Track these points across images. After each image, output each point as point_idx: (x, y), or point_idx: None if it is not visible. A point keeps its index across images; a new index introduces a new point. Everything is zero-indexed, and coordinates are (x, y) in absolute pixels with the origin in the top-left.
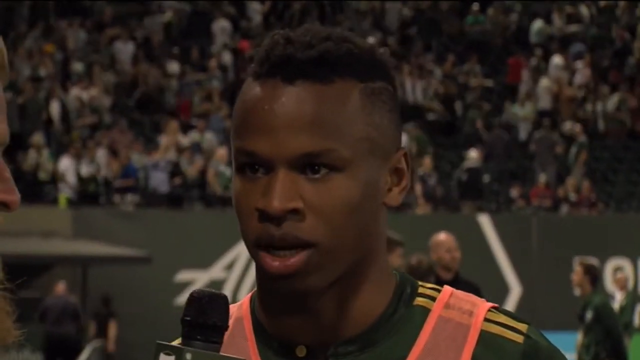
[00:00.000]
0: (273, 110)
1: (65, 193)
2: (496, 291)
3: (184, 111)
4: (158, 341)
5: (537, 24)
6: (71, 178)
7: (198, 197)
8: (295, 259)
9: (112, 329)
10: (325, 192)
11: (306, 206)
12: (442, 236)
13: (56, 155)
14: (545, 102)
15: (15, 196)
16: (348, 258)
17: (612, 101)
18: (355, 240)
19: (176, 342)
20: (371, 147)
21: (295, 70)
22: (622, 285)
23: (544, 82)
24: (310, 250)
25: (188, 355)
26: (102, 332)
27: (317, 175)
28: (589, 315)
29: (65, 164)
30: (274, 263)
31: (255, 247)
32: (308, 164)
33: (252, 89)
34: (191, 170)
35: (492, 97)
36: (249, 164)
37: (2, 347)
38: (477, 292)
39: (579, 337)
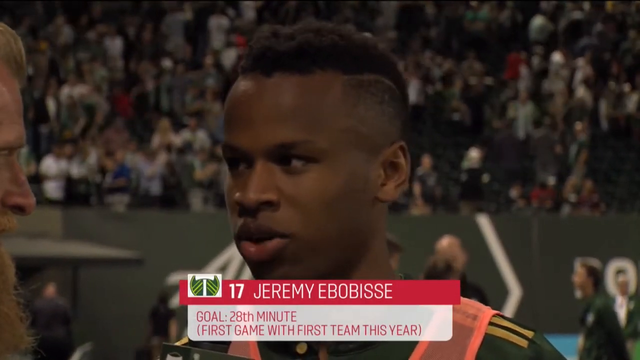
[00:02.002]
0: (251, 103)
1: (48, 193)
2: (496, 294)
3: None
4: (164, 343)
5: (538, 20)
6: (56, 178)
7: (205, 197)
8: (271, 244)
9: (173, 328)
10: (301, 184)
11: (282, 197)
12: (442, 244)
13: (44, 154)
14: (547, 100)
15: (31, 199)
16: (332, 252)
17: (633, 100)
18: (339, 235)
19: (180, 343)
20: (355, 139)
21: (273, 62)
22: (623, 289)
23: (545, 79)
24: (286, 240)
25: (196, 356)
26: (159, 331)
27: (294, 167)
28: (590, 318)
29: (48, 163)
30: (251, 249)
31: (238, 239)
32: (285, 155)
33: (237, 85)
34: (204, 172)
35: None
36: (234, 158)
37: (14, 352)
38: (481, 294)
39: (580, 340)
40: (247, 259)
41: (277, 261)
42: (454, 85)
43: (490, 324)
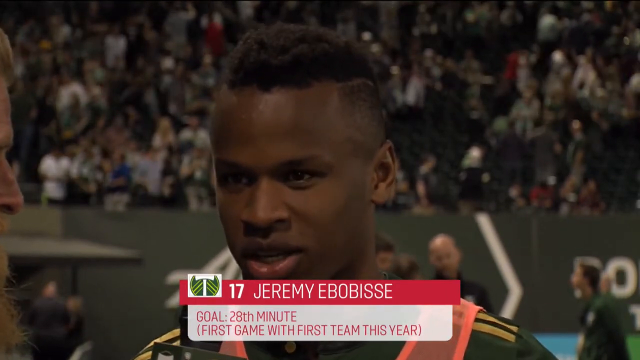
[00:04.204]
0: (252, 119)
1: (48, 192)
2: (495, 293)
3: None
4: (155, 342)
5: (548, 20)
6: (55, 178)
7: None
8: (284, 264)
9: None
10: (310, 199)
11: (292, 214)
12: (436, 242)
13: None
14: (547, 100)
15: (19, 199)
16: (338, 260)
17: None
18: (345, 242)
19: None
20: (354, 148)
21: (271, 77)
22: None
23: (545, 79)
24: (299, 255)
25: (187, 355)
26: None
27: (300, 182)
28: (590, 317)
29: (48, 163)
30: (262, 269)
31: (243, 257)
32: (291, 172)
33: (229, 98)
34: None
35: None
36: (232, 174)
37: (5, 349)
38: (483, 294)
39: (580, 339)
40: (255, 278)
41: (289, 278)
42: (473, 84)
43: (476, 320)
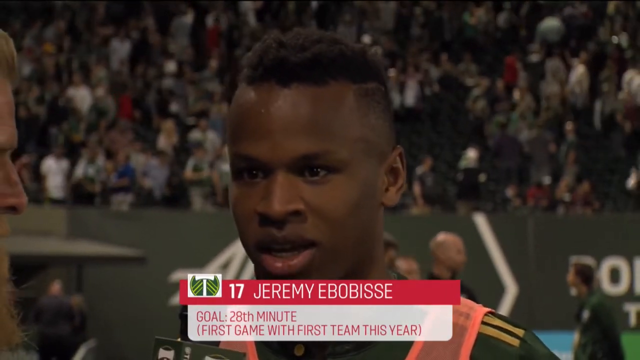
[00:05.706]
0: (269, 114)
1: (49, 193)
2: (492, 291)
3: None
4: (157, 337)
5: (552, 22)
6: (57, 178)
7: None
8: (298, 259)
9: None
10: (325, 193)
11: (307, 208)
12: (450, 237)
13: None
14: (544, 102)
15: (23, 199)
16: (349, 258)
17: None
18: (357, 240)
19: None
20: (367, 148)
21: (289, 73)
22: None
23: (544, 82)
24: (313, 250)
25: (187, 350)
26: None
27: (316, 177)
28: (585, 314)
29: (49, 163)
30: (277, 264)
31: (257, 250)
32: (306, 166)
33: (247, 94)
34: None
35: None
36: (247, 169)
37: (7, 348)
38: (471, 296)
39: (575, 336)
40: (270, 273)
41: (302, 274)
42: (474, 87)
43: (483, 323)
